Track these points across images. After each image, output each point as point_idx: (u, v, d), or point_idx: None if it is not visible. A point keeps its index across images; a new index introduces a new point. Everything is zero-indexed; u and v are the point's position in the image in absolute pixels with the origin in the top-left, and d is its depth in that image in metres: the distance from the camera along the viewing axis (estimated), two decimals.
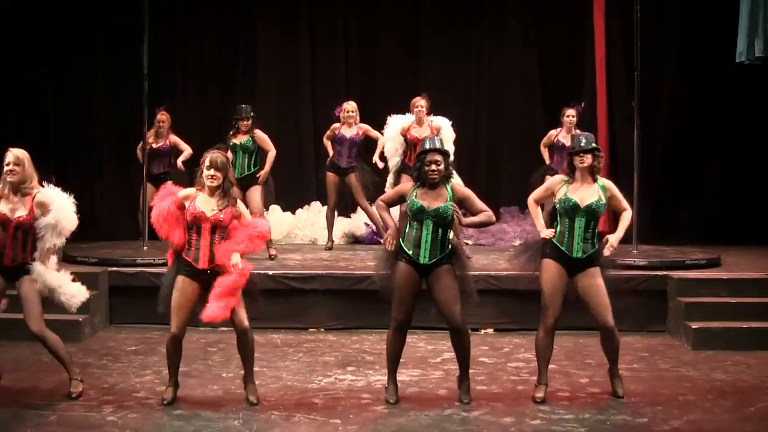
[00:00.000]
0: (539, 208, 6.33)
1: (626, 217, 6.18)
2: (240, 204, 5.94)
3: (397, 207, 6.06)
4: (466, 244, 9.85)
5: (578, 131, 8.62)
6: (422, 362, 7.14)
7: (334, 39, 11.97)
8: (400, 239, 5.92)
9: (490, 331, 8.31)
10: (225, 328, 7.09)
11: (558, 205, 6.07)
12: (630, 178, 9.31)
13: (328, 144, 10.05)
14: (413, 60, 12.00)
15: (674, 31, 11.31)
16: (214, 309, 5.68)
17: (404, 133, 9.44)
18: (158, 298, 5.97)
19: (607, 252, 6.03)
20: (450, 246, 5.91)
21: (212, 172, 5.78)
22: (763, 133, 11.33)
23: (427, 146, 5.91)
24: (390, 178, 9.55)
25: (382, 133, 9.72)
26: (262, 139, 9.40)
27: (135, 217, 10.13)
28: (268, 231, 6.04)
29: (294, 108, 11.95)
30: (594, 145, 6.03)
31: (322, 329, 8.36)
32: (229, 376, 6.70)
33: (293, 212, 11.40)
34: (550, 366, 6.26)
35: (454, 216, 5.79)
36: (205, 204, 5.78)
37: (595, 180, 6.05)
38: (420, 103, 9.41)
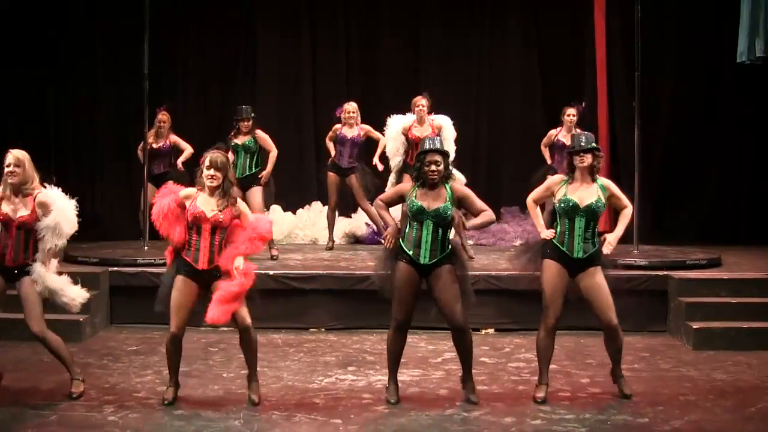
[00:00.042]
0: (538, 208, 6.33)
1: (626, 215, 6.17)
2: (240, 203, 5.94)
3: (399, 207, 6.04)
4: (468, 244, 9.85)
5: (578, 130, 8.62)
6: (423, 362, 7.14)
7: (335, 39, 11.98)
8: (401, 239, 5.92)
9: (491, 331, 8.31)
10: (226, 328, 7.08)
11: (557, 206, 6.07)
12: (631, 179, 9.31)
13: (330, 145, 10.06)
14: (414, 60, 12.01)
15: (675, 31, 11.31)
16: (217, 312, 5.68)
17: (405, 133, 9.44)
18: (156, 297, 5.97)
19: (606, 250, 6.02)
20: (450, 246, 5.91)
21: (212, 172, 5.78)
22: (763, 133, 11.32)
23: (427, 147, 5.91)
24: (392, 178, 9.53)
25: (383, 134, 9.72)
26: (263, 139, 9.41)
27: (136, 217, 10.13)
28: (268, 231, 6.03)
29: (295, 108, 11.95)
30: (594, 144, 6.03)
31: (323, 329, 8.36)
32: (229, 376, 6.70)
33: (294, 212, 11.40)
34: (551, 366, 6.26)
35: (458, 222, 5.79)
36: (205, 204, 5.78)
37: (594, 180, 6.05)
38: (421, 102, 9.41)
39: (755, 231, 11.15)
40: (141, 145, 9.67)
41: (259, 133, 9.40)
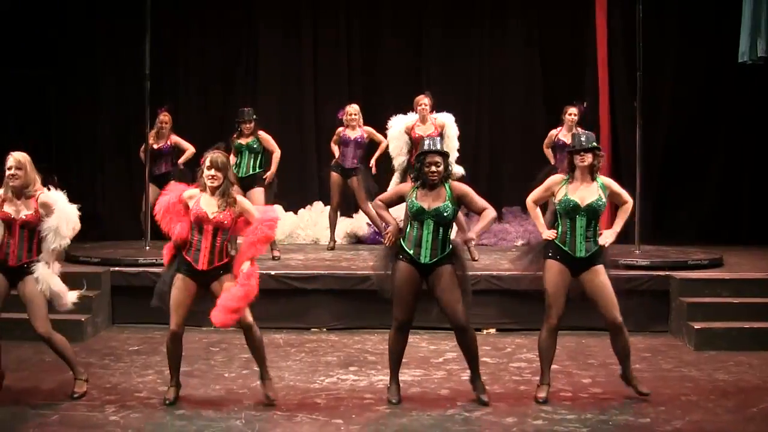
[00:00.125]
0: (539, 209, 6.31)
1: (625, 210, 6.17)
2: (242, 200, 5.91)
3: (403, 208, 6.03)
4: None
5: (579, 129, 8.62)
6: (424, 362, 7.13)
7: (337, 39, 11.98)
8: (401, 239, 5.92)
9: (493, 331, 8.30)
10: (228, 328, 7.07)
11: (558, 206, 6.06)
12: (632, 178, 9.30)
13: (335, 148, 10.07)
14: (415, 60, 12.01)
15: (675, 31, 11.32)
16: (222, 315, 5.67)
17: (408, 132, 9.45)
18: (154, 291, 5.97)
19: (600, 241, 6.01)
20: (451, 246, 5.91)
21: (213, 172, 5.78)
22: (764, 133, 11.33)
23: (427, 148, 5.91)
24: (396, 177, 9.52)
25: (385, 136, 9.73)
26: (266, 140, 9.44)
27: (137, 217, 10.14)
28: (271, 233, 5.96)
29: (296, 108, 11.95)
30: (594, 144, 6.03)
31: (325, 329, 8.36)
32: (231, 376, 6.70)
33: (295, 212, 11.41)
34: (553, 366, 6.26)
35: (467, 244, 5.79)
36: (207, 205, 5.78)
37: (594, 179, 6.05)
38: (423, 101, 9.42)
39: (755, 231, 11.15)
40: (143, 147, 9.67)
41: (262, 134, 9.43)
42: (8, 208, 5.85)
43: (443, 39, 11.93)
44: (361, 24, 12.05)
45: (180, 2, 11.62)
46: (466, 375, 6.26)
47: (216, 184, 5.78)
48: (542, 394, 6.07)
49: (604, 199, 6.01)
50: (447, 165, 5.92)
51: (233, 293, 5.68)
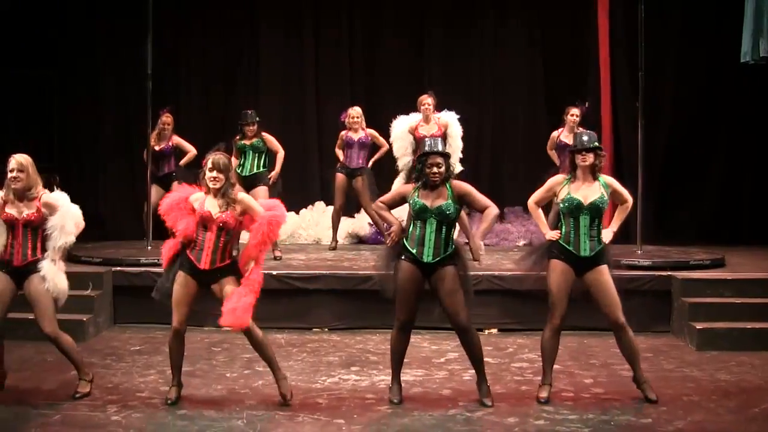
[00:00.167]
0: (541, 210, 6.31)
1: (624, 209, 6.18)
2: (244, 197, 5.91)
3: (406, 209, 6.03)
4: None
5: (581, 129, 8.61)
6: (426, 362, 7.13)
7: (338, 39, 11.98)
8: (404, 238, 5.92)
9: (494, 331, 8.30)
10: (228, 328, 7.08)
11: (561, 206, 6.07)
12: (634, 178, 9.29)
13: (339, 153, 10.07)
14: (417, 60, 12.02)
15: (677, 31, 11.31)
16: (231, 318, 5.67)
17: (412, 132, 9.45)
18: (155, 284, 5.99)
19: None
20: (453, 246, 5.91)
21: (214, 174, 5.78)
22: (765, 133, 11.31)
23: (428, 149, 5.90)
24: (400, 178, 9.52)
25: (388, 139, 9.74)
26: (270, 141, 9.49)
27: (139, 217, 10.14)
28: (275, 233, 5.93)
29: (298, 108, 11.95)
30: (596, 143, 6.03)
31: (326, 329, 8.36)
32: (233, 376, 6.70)
33: (297, 212, 11.40)
34: (554, 366, 6.25)
35: (474, 253, 5.78)
36: (211, 206, 5.80)
37: (596, 178, 6.05)
38: (427, 100, 9.44)
39: (756, 231, 11.14)
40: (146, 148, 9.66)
41: (266, 135, 9.47)
42: (10, 210, 5.85)
43: (445, 39, 11.94)
44: (362, 24, 12.05)
45: (181, 2, 11.63)
46: (467, 375, 6.26)
47: (218, 185, 5.79)
48: (544, 394, 6.07)
49: (606, 197, 6.02)
50: (448, 166, 5.92)
51: (240, 293, 5.68)
